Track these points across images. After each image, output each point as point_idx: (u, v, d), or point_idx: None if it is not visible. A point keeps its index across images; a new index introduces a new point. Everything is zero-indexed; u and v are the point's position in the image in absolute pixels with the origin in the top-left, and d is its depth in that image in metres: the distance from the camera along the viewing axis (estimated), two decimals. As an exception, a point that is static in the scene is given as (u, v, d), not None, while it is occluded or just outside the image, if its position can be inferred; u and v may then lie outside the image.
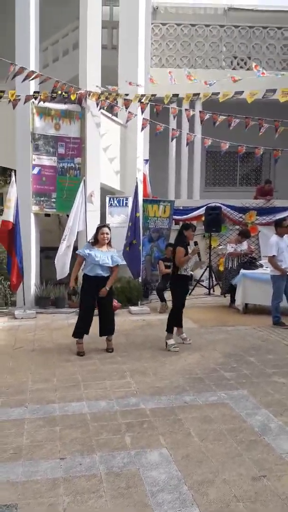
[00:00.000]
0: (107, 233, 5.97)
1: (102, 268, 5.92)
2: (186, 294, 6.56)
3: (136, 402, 4.56)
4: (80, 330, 6.03)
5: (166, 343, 6.21)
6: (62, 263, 7.92)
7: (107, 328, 6.09)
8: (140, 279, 9.19)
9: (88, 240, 6.18)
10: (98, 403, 4.51)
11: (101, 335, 6.14)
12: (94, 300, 5.98)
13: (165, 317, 7.94)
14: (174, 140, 10.42)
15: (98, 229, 6.02)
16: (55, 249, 8.16)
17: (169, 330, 6.31)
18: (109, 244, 6.04)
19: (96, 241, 5.96)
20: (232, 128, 8.81)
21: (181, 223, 12.30)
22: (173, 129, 9.73)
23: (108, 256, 5.95)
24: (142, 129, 9.27)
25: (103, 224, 6.16)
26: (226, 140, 9.46)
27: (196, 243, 6.34)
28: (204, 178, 16.95)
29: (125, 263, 8.90)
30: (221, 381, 5.14)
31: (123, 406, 4.45)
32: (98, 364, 5.66)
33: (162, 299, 8.62)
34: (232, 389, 4.88)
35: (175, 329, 6.46)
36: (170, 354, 6.05)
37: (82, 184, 8.44)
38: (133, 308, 8.56)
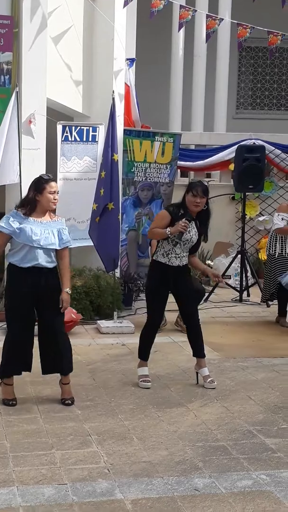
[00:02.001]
0: (57, 191, 6.00)
1: (44, 254, 5.91)
2: (159, 298, 6.63)
3: (108, 489, 4.55)
4: (9, 364, 6.06)
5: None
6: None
7: (55, 362, 6.11)
8: (118, 273, 9.19)
9: (16, 205, 6.09)
10: (40, 490, 4.50)
11: (45, 372, 6.19)
12: (32, 311, 6.01)
13: (162, 339, 7.99)
14: (182, 30, 10.36)
15: (39, 183, 5.97)
16: None
17: (140, 354, 6.76)
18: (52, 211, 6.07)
19: (33, 207, 5.95)
20: (286, 7, 8.80)
21: (191, 174, 12.59)
22: (181, 6, 9.66)
23: (53, 232, 5.95)
24: (126, 3, 9.20)
25: (46, 175, 6.10)
26: (276, 29, 9.44)
27: (189, 219, 6.35)
28: (235, 96, 16.95)
29: (89, 243, 8.89)
30: (260, 453, 5.16)
31: (84, 496, 4.45)
32: (40, 422, 5.66)
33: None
34: (279, 468, 4.91)
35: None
36: (168, 406, 6.10)
37: (13, 99, 8.37)
38: (104, 324, 8.61)
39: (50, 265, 5.95)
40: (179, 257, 6.52)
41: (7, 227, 5.87)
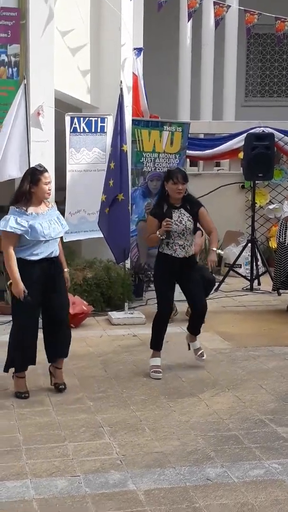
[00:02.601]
0: (50, 181, 6.09)
1: (52, 244, 6.02)
2: (166, 287, 6.71)
3: (120, 480, 4.57)
4: (20, 357, 6.11)
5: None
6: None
7: (59, 349, 6.21)
8: (128, 264, 9.21)
9: (10, 202, 6.07)
10: (53, 482, 4.52)
11: (51, 361, 6.26)
12: (39, 304, 6.07)
13: (173, 329, 8.00)
14: (191, 18, 10.31)
15: (34, 174, 5.99)
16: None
17: (152, 345, 6.81)
18: None
19: (29, 199, 5.96)
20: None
21: (200, 163, 12.58)
22: (189, -5, 9.63)
23: (55, 221, 6.05)
24: (132, -5, 9.19)
25: (39, 166, 6.08)
26: (284, 15, 9.39)
27: (168, 219, 6.46)
28: (244, 84, 16.87)
29: (99, 235, 8.89)
30: (272, 442, 5.17)
31: (97, 487, 4.46)
32: (52, 414, 5.69)
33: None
34: (291, 456, 4.94)
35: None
36: (180, 396, 6.12)
37: (21, 91, 8.36)
38: (115, 315, 8.62)
39: (57, 253, 6.08)
40: (183, 247, 6.57)
41: (19, 228, 5.86)
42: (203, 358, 6.85)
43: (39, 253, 5.93)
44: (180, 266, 6.58)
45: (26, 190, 5.94)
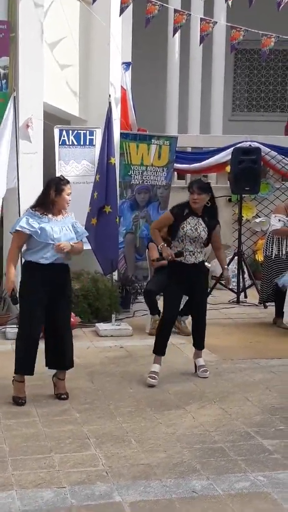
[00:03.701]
0: (70, 192, 6.23)
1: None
2: (172, 293, 6.83)
3: (106, 492, 4.56)
4: (24, 361, 6.16)
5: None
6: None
7: (60, 358, 6.26)
8: (115, 276, 9.20)
9: (32, 205, 6.26)
10: (39, 494, 4.51)
11: (50, 367, 6.32)
12: (43, 310, 6.16)
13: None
14: (178, 33, 10.36)
15: (59, 185, 6.16)
16: None
17: (154, 349, 6.89)
18: None
19: (51, 207, 6.13)
20: (283, 8, 8.79)
21: (188, 177, 12.59)
22: (176, 11, 9.66)
23: (69, 227, 6.18)
24: (122, 11, 9.20)
25: (63, 177, 6.36)
26: (270, 31, 9.44)
27: (177, 257, 6.78)
28: (231, 98, 16.94)
29: (89, 247, 8.89)
30: (257, 454, 5.18)
31: (83, 499, 4.46)
32: (39, 425, 5.68)
33: (154, 310, 8.63)
34: (276, 469, 4.92)
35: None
36: (166, 408, 6.11)
37: (10, 103, 8.38)
38: (103, 327, 8.61)
39: (67, 262, 6.21)
40: (193, 254, 6.72)
41: (28, 228, 6.03)
42: (206, 374, 6.89)
43: (49, 257, 6.05)
44: (189, 272, 6.72)
45: (51, 199, 6.12)
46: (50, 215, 6.12)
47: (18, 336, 6.28)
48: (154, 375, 6.68)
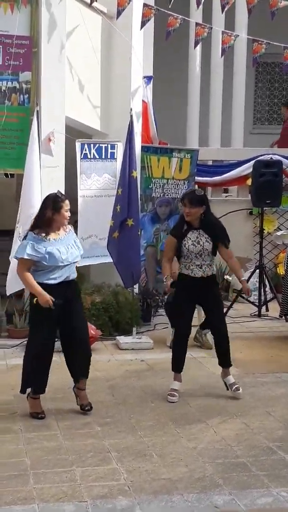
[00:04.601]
0: (68, 208, 6.16)
1: (70, 268, 6.14)
2: (183, 307, 6.77)
3: (128, 506, 4.55)
4: (34, 380, 6.14)
5: None
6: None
7: (82, 367, 6.24)
8: (136, 289, 9.20)
9: (29, 229, 6.17)
10: (61, 507, 4.51)
11: (75, 377, 6.29)
12: (56, 325, 6.13)
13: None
14: (199, 46, 10.41)
15: (57, 202, 6.08)
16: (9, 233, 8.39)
17: (172, 366, 6.81)
18: None
19: (50, 225, 6.06)
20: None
21: (209, 190, 12.61)
22: (197, 24, 9.70)
23: (73, 245, 6.15)
24: (143, 24, 9.26)
25: (60, 193, 6.23)
26: (292, 44, 9.45)
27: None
28: (252, 111, 16.95)
29: (108, 260, 8.91)
30: (280, 469, 5.14)
31: (104, 513, 4.46)
32: (60, 438, 5.67)
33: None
34: (299, 484, 4.91)
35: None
36: (188, 422, 6.09)
37: (34, 118, 8.43)
38: (123, 340, 8.60)
39: (75, 275, 6.20)
40: (201, 268, 6.63)
41: (36, 254, 5.96)
42: (239, 392, 6.73)
43: (57, 277, 6.04)
44: (199, 286, 6.64)
45: (48, 217, 6.04)
46: (52, 235, 6.05)
47: (28, 357, 6.19)
48: (174, 393, 6.63)
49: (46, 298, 5.90)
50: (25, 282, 6.06)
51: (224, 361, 6.85)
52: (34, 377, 6.15)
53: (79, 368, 6.24)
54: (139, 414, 6.25)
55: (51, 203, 6.08)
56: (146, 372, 7.60)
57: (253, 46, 9.48)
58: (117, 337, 8.66)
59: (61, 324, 6.15)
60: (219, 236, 6.69)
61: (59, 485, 4.82)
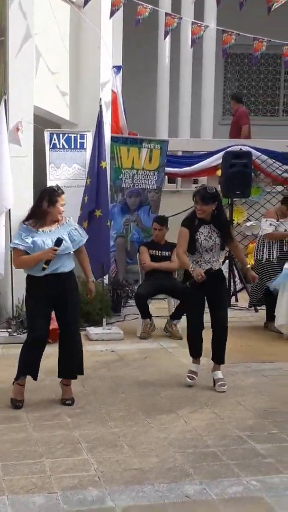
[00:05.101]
0: (64, 203, 6.15)
1: (59, 260, 6.07)
2: (196, 303, 6.81)
3: (98, 497, 4.54)
4: (27, 365, 6.18)
5: None
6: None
7: (70, 367, 6.29)
8: (106, 280, 9.16)
9: (23, 220, 6.22)
10: (31, 499, 4.48)
11: (60, 376, 6.33)
12: (49, 319, 6.20)
13: (151, 345, 7.94)
14: (169, 37, 10.36)
15: (53, 195, 6.11)
16: None
17: (190, 352, 6.93)
18: None
19: (43, 218, 6.09)
20: (273, 12, 8.79)
21: (179, 181, 12.59)
22: (167, 14, 9.67)
23: (64, 237, 6.08)
24: (112, 13, 9.20)
25: (57, 187, 6.28)
26: (261, 35, 9.44)
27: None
28: (221, 103, 16.94)
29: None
30: (250, 459, 5.16)
31: (75, 504, 4.43)
32: (30, 430, 5.64)
33: (145, 314, 8.62)
34: (269, 473, 4.91)
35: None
36: (158, 412, 6.09)
37: (2, 107, 8.36)
38: (94, 331, 8.57)
39: (67, 269, 6.13)
40: (209, 262, 6.63)
41: (22, 244, 6.02)
42: (224, 388, 6.68)
43: (46, 267, 6.00)
44: (207, 280, 6.56)
45: (43, 210, 6.08)
46: (43, 227, 6.08)
47: (24, 344, 6.26)
48: (191, 375, 6.75)
49: (47, 253, 5.93)
50: (23, 264, 6.11)
51: (219, 357, 6.83)
52: (22, 364, 6.17)
53: (68, 368, 6.28)
54: (109, 405, 6.23)
55: (47, 196, 6.11)
56: (116, 362, 7.58)
57: (222, 37, 9.45)
58: (87, 328, 8.62)
59: (57, 318, 6.22)
60: (227, 233, 6.73)
61: (28, 476, 4.79)
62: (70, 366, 6.28)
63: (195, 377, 6.72)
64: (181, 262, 6.83)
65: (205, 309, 6.86)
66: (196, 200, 6.59)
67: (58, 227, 6.15)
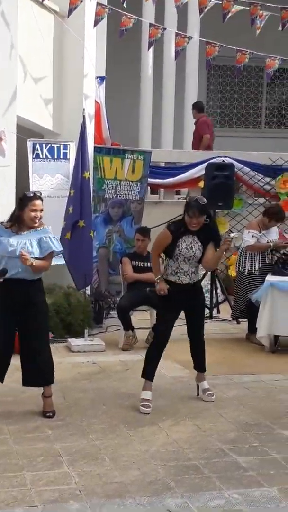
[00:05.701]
0: (39, 209, 6.07)
1: (16, 264, 5.97)
2: (167, 314, 6.63)
3: (79, 510, 4.52)
4: None
5: None
6: None
7: (35, 375, 6.19)
8: (88, 291, 9.15)
9: (2, 221, 6.24)
10: (11, 513, 4.46)
11: (25, 384, 6.25)
12: (13, 323, 6.13)
13: (133, 357, 7.91)
14: (152, 48, 10.41)
15: (22, 200, 6.10)
16: None
17: (143, 373, 6.63)
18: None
19: (18, 222, 6.08)
20: (255, 26, 8.83)
21: (161, 191, 12.62)
22: (151, 25, 9.70)
23: (31, 241, 6.02)
24: (96, 23, 9.22)
25: (31, 193, 6.22)
26: (244, 47, 9.50)
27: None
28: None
29: (62, 261, 8.84)
30: (232, 471, 5.16)
31: (55, 518, 4.43)
32: (10, 442, 5.61)
33: (127, 326, 8.61)
34: (251, 486, 4.91)
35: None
36: (140, 425, 6.06)
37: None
38: (75, 342, 8.54)
39: (30, 277, 6.04)
40: (188, 274, 6.50)
41: None
42: (212, 398, 6.71)
43: (7, 271, 5.95)
44: (185, 293, 6.49)
45: (15, 214, 6.10)
46: (14, 229, 6.06)
47: None
48: (147, 403, 6.41)
49: None
50: None
51: (200, 365, 6.84)
52: None
53: (41, 375, 6.21)
54: (90, 417, 6.21)
55: (18, 200, 6.14)
56: (98, 374, 7.56)
57: (206, 49, 9.48)
58: (69, 339, 8.60)
59: (20, 326, 6.14)
60: (216, 241, 6.54)
61: (8, 490, 4.76)
62: (43, 372, 6.21)
63: (150, 404, 6.42)
64: (152, 265, 6.77)
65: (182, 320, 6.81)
66: (192, 213, 6.33)
67: (30, 232, 6.08)
